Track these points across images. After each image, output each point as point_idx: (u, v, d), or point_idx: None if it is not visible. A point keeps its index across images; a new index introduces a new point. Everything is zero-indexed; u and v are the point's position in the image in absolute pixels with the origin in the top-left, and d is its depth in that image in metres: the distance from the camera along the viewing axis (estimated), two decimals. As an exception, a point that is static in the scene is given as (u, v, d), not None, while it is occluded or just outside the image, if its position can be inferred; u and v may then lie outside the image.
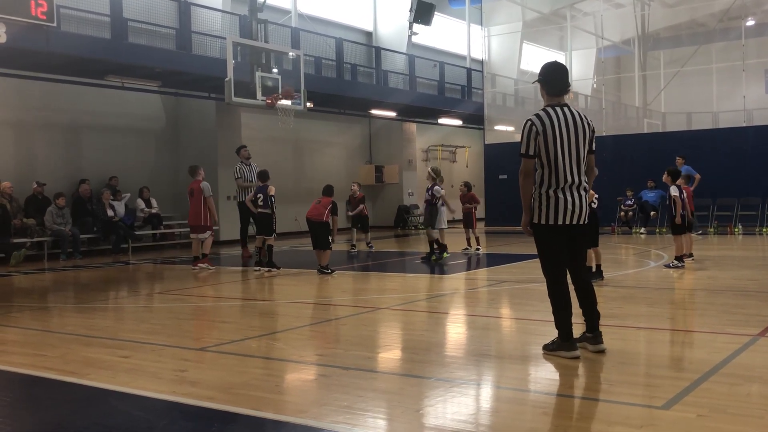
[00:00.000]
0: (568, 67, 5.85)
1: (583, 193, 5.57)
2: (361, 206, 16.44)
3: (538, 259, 5.77)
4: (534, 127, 5.49)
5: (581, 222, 5.59)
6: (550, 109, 5.56)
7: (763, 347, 5.81)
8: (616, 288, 9.30)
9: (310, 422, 4.18)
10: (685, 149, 19.18)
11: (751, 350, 5.68)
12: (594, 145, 5.69)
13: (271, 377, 5.35)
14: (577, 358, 5.45)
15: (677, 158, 16.88)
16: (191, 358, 5.97)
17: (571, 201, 5.50)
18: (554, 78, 5.64)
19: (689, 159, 16.94)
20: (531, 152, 5.50)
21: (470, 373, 5.32)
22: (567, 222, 5.52)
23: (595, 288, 5.79)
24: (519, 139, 5.61)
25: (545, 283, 5.69)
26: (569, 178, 5.49)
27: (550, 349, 5.65)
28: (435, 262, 13.15)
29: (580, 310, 5.69)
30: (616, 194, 20.01)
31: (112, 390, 4.99)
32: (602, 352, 5.55)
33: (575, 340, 5.56)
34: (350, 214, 16.75)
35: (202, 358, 5.97)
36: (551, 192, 5.50)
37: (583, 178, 5.60)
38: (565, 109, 5.58)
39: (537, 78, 5.72)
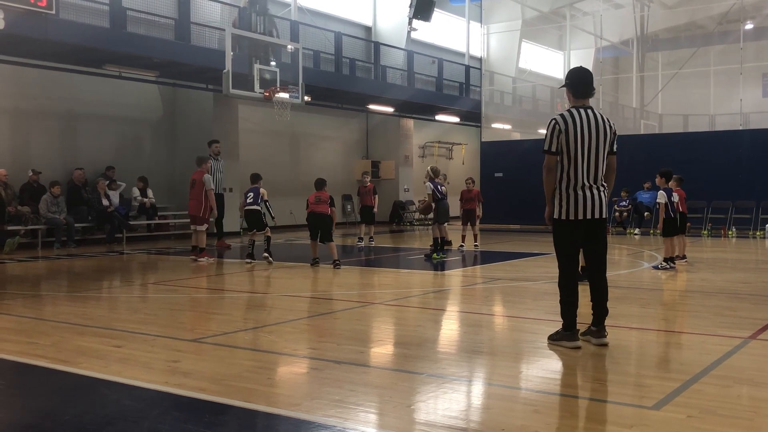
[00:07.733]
0: (591, 72, 6.18)
1: (600, 189, 5.81)
2: (376, 196, 16.59)
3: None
4: (558, 125, 5.75)
5: (597, 216, 5.81)
6: (574, 111, 5.84)
7: (754, 350, 5.84)
8: (610, 288, 9.21)
9: (301, 415, 4.19)
10: (681, 151, 19.22)
11: (741, 353, 5.71)
12: (615, 146, 5.94)
13: (264, 370, 5.36)
14: (578, 348, 5.74)
15: None
16: (184, 349, 5.97)
17: (589, 196, 5.75)
18: (580, 82, 5.96)
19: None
20: (553, 149, 5.77)
21: (462, 370, 5.34)
22: (583, 217, 5.77)
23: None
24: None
25: (557, 278, 5.97)
26: (587, 176, 5.75)
27: (554, 339, 5.93)
28: (435, 260, 13.01)
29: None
30: (612, 194, 19.98)
31: (104, 379, 5.00)
32: (605, 345, 5.82)
33: (578, 332, 5.85)
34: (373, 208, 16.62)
35: (194, 350, 5.97)
36: (570, 189, 5.76)
37: (601, 176, 5.82)
38: (589, 111, 5.84)
39: (564, 82, 6.04)
